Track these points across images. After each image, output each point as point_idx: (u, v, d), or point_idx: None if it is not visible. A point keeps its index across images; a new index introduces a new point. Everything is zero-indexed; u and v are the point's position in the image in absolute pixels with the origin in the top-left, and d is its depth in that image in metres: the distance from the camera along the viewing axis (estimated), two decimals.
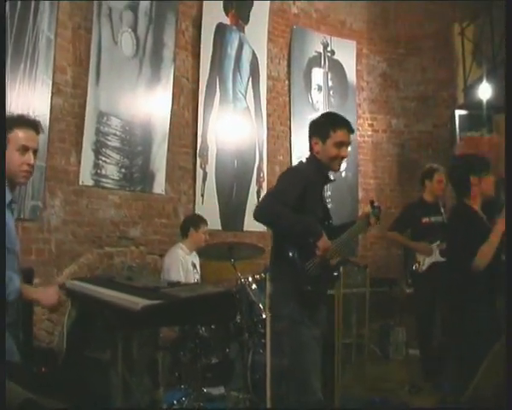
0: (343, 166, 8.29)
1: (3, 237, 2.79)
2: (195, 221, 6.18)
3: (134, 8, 6.56)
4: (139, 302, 2.75)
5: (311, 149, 3.85)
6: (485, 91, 8.03)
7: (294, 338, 3.61)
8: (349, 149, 3.85)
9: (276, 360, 3.69)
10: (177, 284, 3.55)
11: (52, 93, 5.60)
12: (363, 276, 6.17)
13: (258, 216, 3.67)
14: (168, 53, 6.98)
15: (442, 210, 6.26)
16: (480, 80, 8.23)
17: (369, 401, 5.12)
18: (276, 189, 3.75)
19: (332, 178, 3.98)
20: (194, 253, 6.13)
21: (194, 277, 5.96)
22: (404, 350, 7.97)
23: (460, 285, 3.96)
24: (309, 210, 3.68)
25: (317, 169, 3.81)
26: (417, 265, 6.30)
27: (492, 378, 2.57)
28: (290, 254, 3.63)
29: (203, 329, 5.02)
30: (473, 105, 8.49)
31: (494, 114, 8.45)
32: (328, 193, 8.55)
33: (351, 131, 3.82)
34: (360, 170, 9.07)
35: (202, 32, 7.48)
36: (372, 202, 4.02)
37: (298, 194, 3.61)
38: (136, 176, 6.63)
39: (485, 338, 3.33)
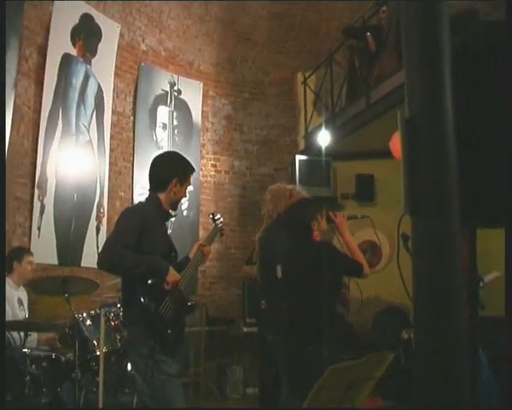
0: (185, 204, 8.28)
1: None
2: (18, 253, 5.85)
3: None
4: None
5: (164, 188, 3.80)
6: (323, 139, 8.40)
7: (157, 376, 3.48)
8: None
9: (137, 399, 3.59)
10: None
11: None
12: (200, 315, 6.18)
13: (101, 264, 3.56)
14: (9, 79, 6.71)
15: None
16: (319, 128, 8.61)
17: None
18: (115, 232, 3.67)
19: (173, 213, 3.95)
20: (22, 288, 5.83)
21: (21, 314, 5.64)
22: (241, 389, 8.06)
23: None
24: (152, 248, 3.64)
25: (158, 207, 3.80)
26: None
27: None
28: (142, 299, 3.52)
29: (33, 367, 4.82)
30: (312, 151, 8.85)
31: (332, 160, 8.86)
32: (170, 231, 8.53)
33: None
34: (201, 210, 9.13)
35: (47, 61, 7.27)
36: (213, 215, 4.44)
37: (137, 233, 3.57)
38: None
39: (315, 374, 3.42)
